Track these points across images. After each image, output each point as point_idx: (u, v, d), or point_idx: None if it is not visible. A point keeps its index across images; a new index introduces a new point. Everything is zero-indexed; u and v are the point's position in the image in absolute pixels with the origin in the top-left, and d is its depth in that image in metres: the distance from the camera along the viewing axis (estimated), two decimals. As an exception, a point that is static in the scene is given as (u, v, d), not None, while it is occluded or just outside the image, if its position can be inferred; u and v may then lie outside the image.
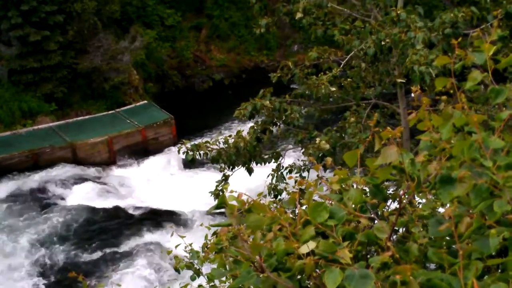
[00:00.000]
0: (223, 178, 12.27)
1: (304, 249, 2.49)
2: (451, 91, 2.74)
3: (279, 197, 11.63)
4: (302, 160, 12.48)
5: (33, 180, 27.76)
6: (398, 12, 10.32)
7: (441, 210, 3.04)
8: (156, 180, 28.58)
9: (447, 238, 2.69)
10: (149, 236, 23.97)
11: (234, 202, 2.73)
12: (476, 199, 2.32)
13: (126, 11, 37.29)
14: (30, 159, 28.60)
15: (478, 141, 2.37)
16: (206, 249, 5.43)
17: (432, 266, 2.92)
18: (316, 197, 2.90)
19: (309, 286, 2.66)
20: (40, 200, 26.53)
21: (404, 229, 3.40)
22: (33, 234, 23.92)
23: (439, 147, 2.57)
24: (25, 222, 24.80)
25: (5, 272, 22.14)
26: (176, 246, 6.05)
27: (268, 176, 12.04)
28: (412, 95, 3.08)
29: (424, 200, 3.22)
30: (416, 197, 3.12)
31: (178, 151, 11.88)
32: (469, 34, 9.98)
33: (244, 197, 2.75)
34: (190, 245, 5.86)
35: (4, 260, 22.63)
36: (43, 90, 31.57)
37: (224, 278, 4.10)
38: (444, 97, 2.89)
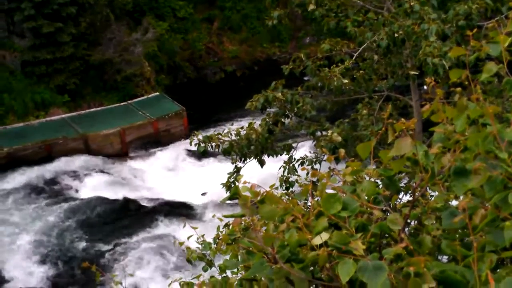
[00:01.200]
0: (235, 170, 12.28)
1: (317, 240, 2.49)
2: (465, 83, 2.72)
3: (290, 189, 11.62)
4: (314, 152, 12.46)
5: (46, 171, 27.92)
6: (412, 3, 10.25)
7: (454, 202, 3.03)
8: (168, 171, 28.68)
9: (461, 230, 2.69)
10: (161, 227, 24.07)
11: (247, 193, 2.73)
12: (490, 191, 2.31)
13: (138, 2, 37.32)
14: (43, 150, 28.76)
15: (493, 133, 2.36)
16: (218, 240, 5.45)
17: (445, 258, 2.92)
18: (329, 189, 2.90)
19: (322, 277, 2.66)
20: (52, 191, 26.70)
21: (416, 221, 3.40)
22: (45, 224, 24.09)
23: (453, 139, 2.56)
24: (37, 212, 24.98)
25: (17, 262, 22.33)
26: (189, 237, 6.07)
27: (280, 168, 12.04)
28: (425, 87, 3.06)
29: (437, 193, 3.21)
30: (429, 189, 3.11)
31: (190, 143, 11.90)
32: (483, 26, 9.90)
33: (257, 189, 2.76)
34: (202, 236, 5.88)
35: (17, 250, 22.81)
36: (55, 82, 31.71)
37: (236, 269, 4.11)
38: (458, 89, 2.87)
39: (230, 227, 3.52)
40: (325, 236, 2.48)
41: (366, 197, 2.74)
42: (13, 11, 31.54)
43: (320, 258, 2.44)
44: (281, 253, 2.60)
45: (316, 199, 2.86)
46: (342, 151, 3.39)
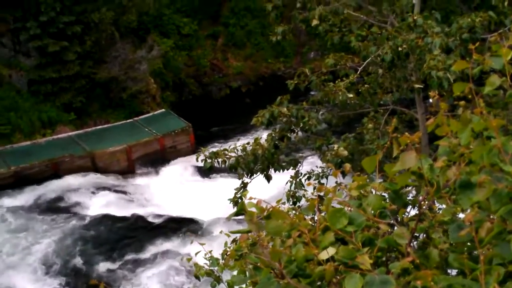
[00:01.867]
0: (242, 185, 12.28)
1: (324, 255, 2.50)
2: (470, 96, 2.73)
3: (297, 204, 11.61)
4: (320, 167, 12.46)
5: (53, 189, 27.96)
6: (415, 17, 10.29)
7: (461, 215, 3.03)
8: (175, 188, 28.66)
9: (468, 243, 2.69)
10: (168, 244, 24.03)
11: (253, 209, 2.74)
12: (496, 204, 2.31)
13: (143, 20, 37.53)
14: (49, 169, 28.82)
15: (498, 146, 2.37)
16: (226, 256, 5.45)
17: (454, 272, 2.91)
18: (335, 204, 2.91)
19: (329, 292, 2.66)
20: (59, 209, 26.72)
21: (424, 235, 3.39)
22: (53, 243, 24.09)
23: (458, 152, 2.57)
24: (45, 231, 24.98)
25: (25, 278, 22.31)
26: (196, 254, 6.08)
27: (286, 183, 12.04)
28: (430, 100, 3.07)
29: (444, 206, 3.21)
30: (436, 202, 3.11)
31: (196, 159, 11.91)
32: (486, 38, 9.92)
33: (263, 204, 2.77)
34: (210, 252, 5.88)
35: (24, 269, 22.80)
36: (62, 100, 31.84)
37: (244, 285, 4.11)
38: (462, 102, 2.88)
39: (237, 243, 3.53)
40: (331, 251, 2.48)
41: (372, 211, 2.75)
42: (19, 30, 31.78)
43: (327, 273, 2.44)
44: (288, 268, 2.61)
45: (322, 214, 2.86)
46: (347, 166, 3.40)
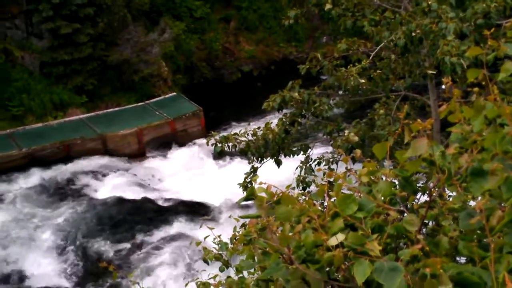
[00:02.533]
0: (252, 170, 12.29)
1: (333, 241, 2.49)
2: (483, 83, 2.70)
3: (307, 189, 11.61)
4: (330, 153, 12.44)
5: (65, 171, 28.12)
6: (429, 2, 10.19)
7: (472, 203, 3.01)
8: (185, 171, 28.74)
9: (478, 231, 2.67)
10: (178, 228, 24.14)
11: (263, 194, 2.74)
12: (508, 192, 2.29)
13: (155, 3, 37.44)
14: (61, 151, 28.96)
15: (511, 133, 2.34)
16: (234, 240, 5.45)
17: (463, 259, 2.90)
18: (345, 190, 2.89)
19: (338, 278, 2.66)
20: (71, 191, 26.90)
21: (434, 222, 3.37)
22: (63, 225, 24.28)
23: (471, 139, 2.54)
24: (55, 212, 25.17)
25: (36, 259, 22.53)
26: (205, 238, 6.09)
27: (296, 168, 12.03)
28: (443, 86, 3.04)
29: (454, 193, 3.19)
30: (446, 189, 3.09)
31: (207, 143, 11.93)
32: (502, 24, 9.81)
33: (273, 189, 2.76)
34: (219, 236, 5.89)
35: (34, 249, 23.01)
36: (74, 82, 31.91)
37: (252, 270, 4.11)
38: (476, 89, 2.85)
39: (246, 227, 3.53)
40: (341, 237, 2.47)
41: (382, 198, 2.73)
42: (31, 12, 31.82)
43: (336, 259, 2.44)
44: (297, 254, 2.60)
45: (332, 199, 2.85)
46: (358, 152, 3.38)
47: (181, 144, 31.10)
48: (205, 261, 6.16)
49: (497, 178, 2.29)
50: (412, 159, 2.71)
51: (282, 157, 12.10)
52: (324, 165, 12.11)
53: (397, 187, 2.94)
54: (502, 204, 2.40)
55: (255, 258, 3.16)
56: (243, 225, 6.70)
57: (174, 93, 34.28)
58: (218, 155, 12.31)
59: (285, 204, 2.67)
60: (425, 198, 4.18)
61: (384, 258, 2.32)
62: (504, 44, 2.72)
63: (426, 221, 3.26)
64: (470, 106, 2.62)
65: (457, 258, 2.86)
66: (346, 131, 11.23)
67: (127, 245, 23.23)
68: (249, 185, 11.75)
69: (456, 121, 2.65)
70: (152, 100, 33.20)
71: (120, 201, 25.76)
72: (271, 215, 2.74)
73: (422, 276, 2.28)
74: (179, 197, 26.69)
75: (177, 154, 30.39)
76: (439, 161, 2.54)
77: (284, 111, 12.12)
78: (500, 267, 2.21)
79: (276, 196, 2.71)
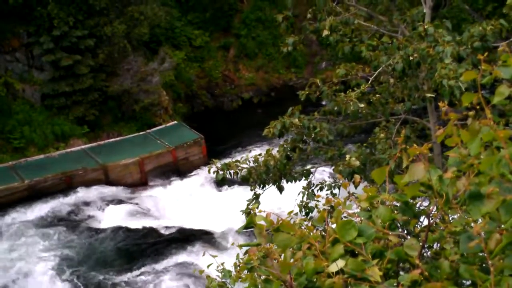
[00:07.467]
0: (254, 196, 12.28)
1: (333, 267, 2.49)
2: (477, 107, 2.72)
3: (310, 214, 11.58)
4: (332, 177, 12.43)
5: (67, 202, 28.08)
6: (426, 26, 10.28)
7: (473, 225, 3.01)
8: (188, 200, 28.69)
9: (480, 254, 2.67)
10: (181, 256, 24.03)
11: (262, 222, 2.75)
12: (506, 215, 2.30)
13: (154, 33, 37.75)
14: (63, 182, 28.96)
15: (506, 156, 2.36)
16: (237, 268, 5.44)
17: (467, 282, 2.89)
18: (346, 215, 2.90)
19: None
20: (73, 222, 26.83)
21: (438, 245, 3.37)
22: (66, 254, 24.17)
23: (468, 162, 2.56)
24: (58, 244, 25.08)
25: (40, 292, 22.41)
26: (208, 266, 6.07)
27: (298, 194, 12.02)
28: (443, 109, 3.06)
29: (456, 216, 3.19)
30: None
31: (209, 171, 11.93)
32: (498, 46, 9.87)
33: (273, 217, 2.77)
34: (222, 264, 5.88)
35: (36, 282, 22.87)
36: (75, 113, 32.06)
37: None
38: (471, 113, 2.87)
39: (247, 255, 3.53)
40: (341, 263, 2.48)
41: (382, 223, 2.74)
42: (32, 45, 32.11)
43: (336, 285, 2.44)
44: (298, 280, 2.61)
45: (332, 225, 2.86)
46: (357, 177, 3.40)
47: (183, 172, 31.10)
48: (209, 290, 6.13)
49: (494, 201, 2.30)
50: (411, 183, 2.73)
51: (284, 183, 12.10)
52: (326, 190, 12.10)
53: (398, 211, 2.95)
54: (502, 226, 2.40)
55: (258, 286, 3.16)
56: (247, 252, 6.68)
57: (175, 122, 34.37)
58: (220, 182, 12.29)
59: (284, 231, 2.68)
60: (426, 221, 4.18)
61: (385, 283, 2.33)
62: (497, 68, 2.76)
63: (431, 245, 3.27)
64: (467, 129, 2.64)
65: (460, 282, 2.86)
66: (347, 156, 11.23)
67: (130, 275, 23.10)
68: (251, 212, 11.73)
69: (454, 145, 2.67)
70: (153, 129, 33.29)
71: (123, 230, 25.69)
72: (271, 243, 2.75)
73: (423, 301, 2.28)
74: (181, 225, 26.60)
75: (179, 183, 30.38)
76: (437, 185, 2.56)
77: (285, 137, 12.14)
78: (500, 290, 2.21)
79: (275, 223, 2.72)
